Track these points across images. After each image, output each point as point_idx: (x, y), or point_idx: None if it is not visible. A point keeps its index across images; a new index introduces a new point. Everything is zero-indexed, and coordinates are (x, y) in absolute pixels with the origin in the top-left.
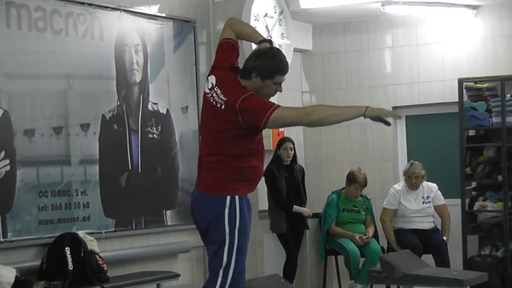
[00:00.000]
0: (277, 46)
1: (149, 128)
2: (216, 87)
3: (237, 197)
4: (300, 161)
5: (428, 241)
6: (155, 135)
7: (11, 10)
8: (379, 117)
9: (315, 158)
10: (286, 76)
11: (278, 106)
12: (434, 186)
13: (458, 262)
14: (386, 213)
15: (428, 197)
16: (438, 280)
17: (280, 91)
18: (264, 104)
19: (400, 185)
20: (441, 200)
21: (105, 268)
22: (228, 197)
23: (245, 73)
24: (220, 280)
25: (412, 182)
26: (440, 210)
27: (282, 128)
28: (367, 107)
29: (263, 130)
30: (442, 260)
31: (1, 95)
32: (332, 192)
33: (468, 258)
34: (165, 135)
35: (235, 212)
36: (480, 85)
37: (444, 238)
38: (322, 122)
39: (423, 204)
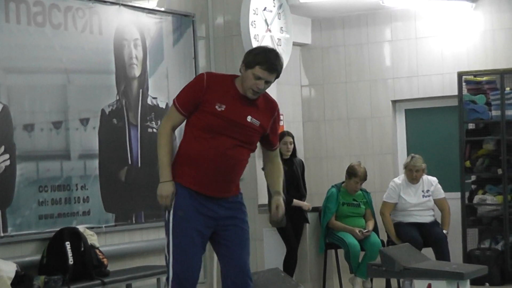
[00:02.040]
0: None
1: (148, 123)
2: None
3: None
4: (300, 155)
5: (428, 235)
6: (154, 130)
7: (10, 4)
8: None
9: (315, 152)
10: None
11: (174, 102)
12: (434, 179)
13: (458, 255)
14: (386, 206)
15: (428, 190)
16: (438, 273)
17: (260, 88)
18: (182, 89)
19: (400, 179)
20: (441, 193)
21: (105, 262)
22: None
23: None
24: (167, 274)
25: (413, 175)
26: (440, 204)
27: (281, 122)
28: (166, 181)
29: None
30: (442, 253)
31: (1, 89)
32: (332, 186)
33: (468, 251)
34: None
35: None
36: (480, 79)
37: (444, 231)
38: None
39: (423, 198)
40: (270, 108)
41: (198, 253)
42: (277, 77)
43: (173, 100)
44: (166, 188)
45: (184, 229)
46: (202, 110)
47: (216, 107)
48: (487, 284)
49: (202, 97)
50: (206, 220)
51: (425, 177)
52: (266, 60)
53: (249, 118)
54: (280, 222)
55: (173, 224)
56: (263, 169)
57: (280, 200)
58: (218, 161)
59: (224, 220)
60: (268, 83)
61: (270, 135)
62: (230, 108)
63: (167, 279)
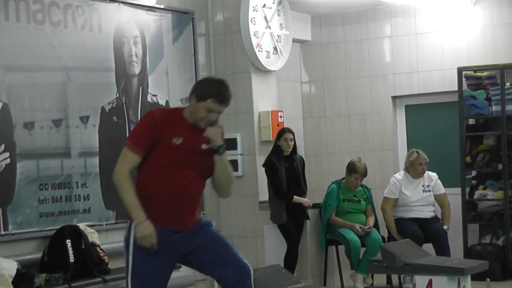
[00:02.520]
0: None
1: None
2: None
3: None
4: (300, 151)
5: (428, 230)
6: None
7: (10, 2)
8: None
9: (315, 148)
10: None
11: (129, 144)
12: (434, 175)
13: (459, 251)
14: (387, 202)
15: (428, 185)
16: (439, 268)
17: (213, 120)
18: (134, 130)
19: (400, 174)
20: (441, 189)
21: (106, 260)
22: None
23: (189, 96)
24: None
25: (421, 169)
26: (440, 199)
27: (282, 119)
28: (144, 221)
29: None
30: (442, 249)
31: (1, 88)
32: (332, 182)
33: (469, 247)
34: None
35: (129, 233)
36: (480, 74)
37: (445, 227)
38: (117, 188)
39: (424, 193)
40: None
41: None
42: (227, 106)
43: (126, 142)
44: (147, 228)
45: (144, 271)
46: (161, 147)
47: (173, 141)
48: (488, 279)
49: (158, 134)
50: (167, 254)
51: (426, 172)
52: (219, 93)
53: (204, 146)
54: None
55: (132, 264)
56: (263, 165)
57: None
58: (181, 194)
59: (192, 247)
60: (219, 113)
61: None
62: (186, 140)
63: None
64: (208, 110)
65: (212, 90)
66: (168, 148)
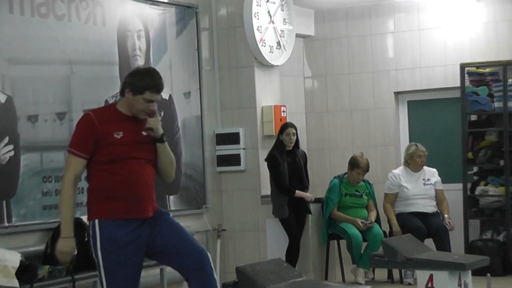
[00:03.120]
0: None
1: None
2: None
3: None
4: (303, 146)
5: (429, 225)
6: None
7: None
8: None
9: (318, 143)
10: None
11: (71, 150)
12: (434, 170)
13: (460, 246)
14: (387, 198)
15: (429, 179)
16: (440, 264)
17: (153, 110)
18: (73, 135)
19: (398, 170)
20: (440, 185)
21: None
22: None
23: (121, 90)
24: None
25: (420, 161)
26: (439, 194)
27: (284, 114)
28: (68, 237)
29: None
30: (443, 244)
31: (5, 80)
32: (334, 177)
33: (470, 242)
34: (168, 120)
35: (94, 231)
36: (482, 70)
37: (446, 216)
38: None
39: (424, 186)
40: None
41: (134, 282)
42: None
43: (69, 150)
44: (68, 244)
45: (114, 262)
46: (104, 145)
47: (115, 136)
48: (488, 275)
49: (98, 134)
50: (137, 245)
51: (426, 167)
52: (154, 84)
53: (144, 133)
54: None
55: (102, 259)
56: (266, 160)
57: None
58: (134, 182)
59: (155, 235)
60: (157, 101)
61: None
62: (126, 132)
63: None
64: (146, 101)
65: (148, 82)
66: (112, 143)
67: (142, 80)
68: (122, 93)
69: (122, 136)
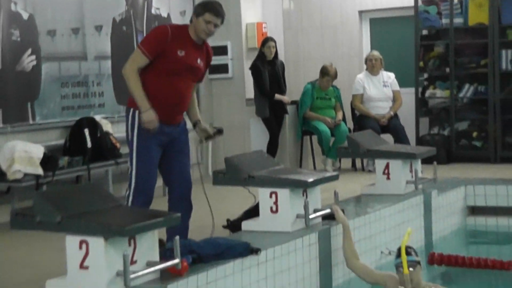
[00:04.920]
0: None
1: None
2: None
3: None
4: (281, 57)
5: (388, 125)
6: None
7: None
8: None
9: (294, 55)
10: None
11: (141, 47)
12: (391, 74)
13: (412, 140)
14: (356, 98)
15: (387, 81)
16: (395, 154)
17: (211, 30)
18: (146, 36)
19: (362, 74)
20: (396, 86)
21: (118, 146)
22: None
23: (191, 18)
24: (129, 183)
25: (372, 63)
26: (394, 95)
27: (266, 29)
28: (148, 110)
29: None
30: (401, 140)
31: (27, 1)
32: (308, 83)
33: (420, 137)
34: None
35: (134, 118)
36: None
37: (391, 113)
38: (126, 80)
39: (384, 88)
40: (208, 53)
41: (155, 167)
42: (222, 22)
43: (139, 46)
44: (150, 114)
45: (145, 147)
46: (166, 56)
47: (178, 53)
48: (435, 162)
49: (167, 46)
50: (161, 141)
51: (384, 72)
52: (213, 8)
53: (198, 61)
54: (214, 136)
55: (136, 143)
56: (250, 68)
57: (203, 123)
58: (174, 95)
59: (174, 140)
60: (216, 26)
61: (204, 73)
62: (188, 53)
63: (130, 185)
64: (206, 21)
65: (208, 6)
66: (173, 57)
67: (204, 6)
68: (191, 20)
69: (184, 56)
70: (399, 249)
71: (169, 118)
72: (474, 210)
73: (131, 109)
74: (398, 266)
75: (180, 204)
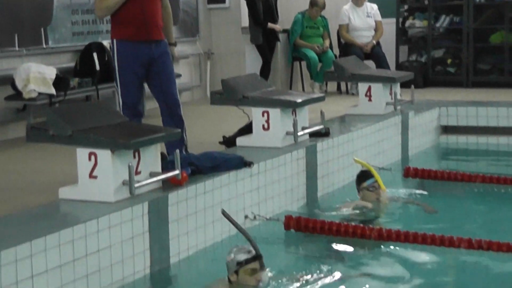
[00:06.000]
0: None
1: None
2: None
3: (115, 40)
4: None
5: (371, 52)
6: None
7: None
8: None
9: None
10: None
11: None
12: (374, 5)
13: (392, 66)
14: (342, 28)
15: (370, 12)
16: (377, 78)
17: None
18: None
19: (348, 5)
20: (379, 16)
21: None
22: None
23: None
24: (118, 101)
25: None
26: (377, 24)
27: None
28: None
29: None
30: (382, 66)
31: None
32: (298, 13)
33: (400, 63)
34: None
35: (113, 46)
36: None
37: (374, 41)
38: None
39: (367, 18)
40: None
41: (134, 85)
42: None
43: None
44: None
45: (124, 69)
46: None
47: None
48: (412, 86)
49: None
50: (140, 61)
51: (368, 3)
52: None
53: None
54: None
55: (117, 67)
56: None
57: (173, 50)
58: (146, 10)
59: (154, 61)
60: None
61: None
62: None
63: (118, 102)
64: None
65: None
66: None
67: None
68: None
69: None
70: (363, 173)
71: (145, 33)
72: (446, 129)
73: (113, 40)
74: (370, 186)
75: (170, 120)
